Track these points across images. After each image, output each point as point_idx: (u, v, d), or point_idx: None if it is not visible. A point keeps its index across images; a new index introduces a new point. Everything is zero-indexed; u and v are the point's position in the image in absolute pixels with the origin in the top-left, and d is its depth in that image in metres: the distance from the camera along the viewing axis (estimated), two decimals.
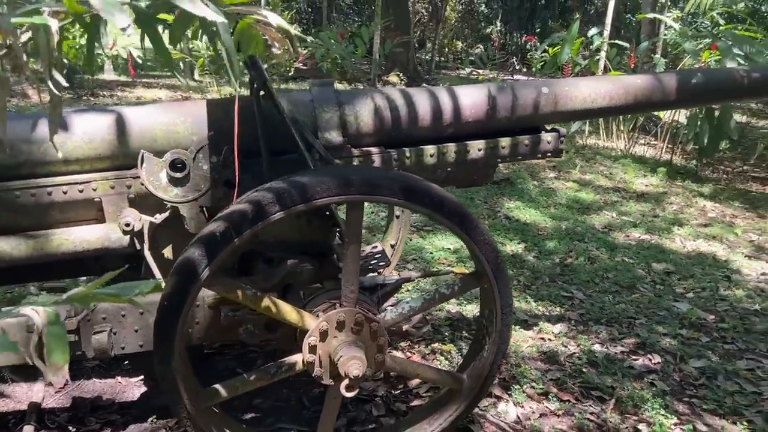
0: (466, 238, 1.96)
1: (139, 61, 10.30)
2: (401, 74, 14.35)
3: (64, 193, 2.17)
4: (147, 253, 2.23)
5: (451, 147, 2.45)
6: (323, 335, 1.94)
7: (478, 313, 3.34)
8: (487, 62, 14.65)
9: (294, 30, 1.37)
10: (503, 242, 4.52)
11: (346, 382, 1.89)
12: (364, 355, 1.91)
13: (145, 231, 2.21)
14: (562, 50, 8.16)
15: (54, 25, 0.94)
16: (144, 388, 2.56)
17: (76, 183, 2.18)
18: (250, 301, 1.91)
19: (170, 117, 2.26)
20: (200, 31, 1.45)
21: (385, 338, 2.00)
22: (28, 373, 2.52)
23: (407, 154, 2.41)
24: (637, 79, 2.66)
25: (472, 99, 2.47)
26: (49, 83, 0.98)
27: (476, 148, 2.47)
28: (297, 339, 2.06)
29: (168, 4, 1.03)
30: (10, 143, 2.11)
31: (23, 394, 2.47)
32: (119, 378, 2.61)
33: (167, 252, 2.31)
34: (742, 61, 6.34)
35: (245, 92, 2.38)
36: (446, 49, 20.21)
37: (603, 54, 9.21)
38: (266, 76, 2.17)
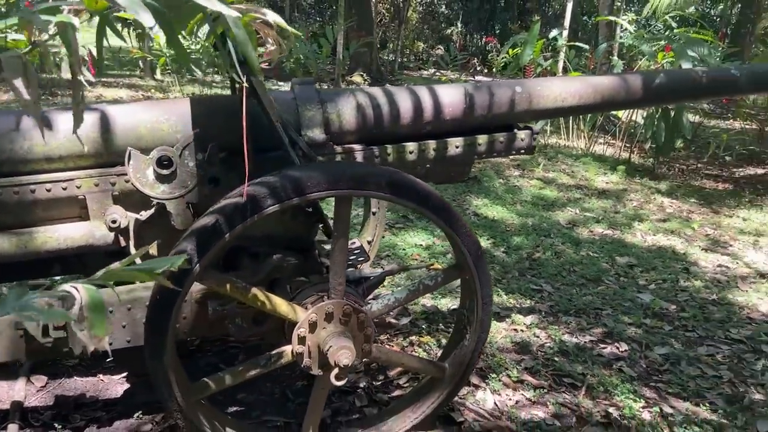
0: (449, 231, 2.04)
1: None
2: (365, 74, 14.43)
3: (48, 190, 2.17)
4: (133, 250, 2.25)
5: (431, 144, 2.52)
6: (312, 327, 2.00)
7: (452, 307, 3.44)
8: (450, 63, 14.82)
9: (291, 29, 1.42)
10: None
11: (336, 371, 1.95)
12: (353, 345, 1.98)
13: (131, 228, 2.23)
14: (523, 51, 8.34)
15: (76, 22, 0.98)
16: (127, 385, 2.57)
17: (60, 181, 2.18)
18: (242, 294, 1.96)
19: (154, 115, 2.27)
20: (196, 26, 1.49)
21: (372, 329, 2.07)
22: (9, 371, 2.50)
23: (389, 151, 2.48)
24: (604, 79, 2.78)
25: (450, 98, 2.55)
26: (81, 78, 1.02)
27: (454, 145, 2.55)
28: (285, 331, 2.11)
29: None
30: None
31: (4, 393, 2.46)
32: (101, 376, 2.61)
33: (152, 249, 2.33)
34: (696, 63, 6.60)
35: (230, 91, 2.41)
36: (408, 50, 20.35)
37: (562, 55, 9.46)
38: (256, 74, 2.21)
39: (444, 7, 23.42)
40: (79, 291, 0.99)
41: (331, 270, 2.03)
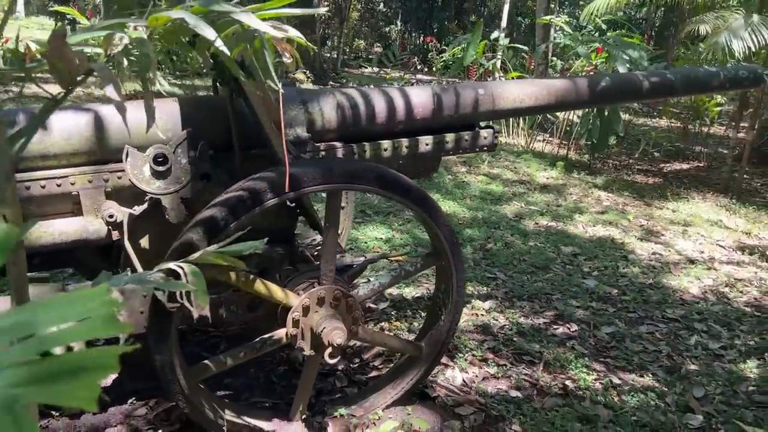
0: (429, 220, 2.24)
1: (38, 56, 9.89)
2: (307, 72, 14.53)
3: (42, 187, 2.25)
4: (127, 243, 2.35)
5: (404, 141, 2.72)
6: (305, 310, 2.17)
7: (416, 295, 3.66)
8: (394, 61, 15.07)
9: (306, 43, 1.58)
10: None
11: (329, 350, 2.13)
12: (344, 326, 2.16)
13: (125, 222, 2.33)
14: (467, 52, 8.65)
15: (144, 35, 1.12)
16: (115, 374, 2.66)
17: (54, 177, 2.26)
18: (243, 282, 2.10)
19: (144, 114, 2.38)
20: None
21: (360, 311, 2.25)
22: None
23: (366, 149, 2.66)
24: (557, 82, 3.05)
25: (420, 99, 2.75)
26: (158, 85, 1.15)
27: (425, 142, 2.76)
28: (278, 316, 2.27)
29: (226, 15, 1.23)
30: None
31: None
32: None
33: (144, 242, 2.44)
34: (628, 64, 7.05)
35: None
36: (347, 48, 20.50)
37: (499, 55, 9.84)
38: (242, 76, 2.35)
39: (382, 5, 23.70)
40: (185, 269, 1.15)
41: (322, 258, 2.20)
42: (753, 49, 6.13)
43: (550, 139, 9.31)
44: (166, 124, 2.39)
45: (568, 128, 9.02)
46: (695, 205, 6.75)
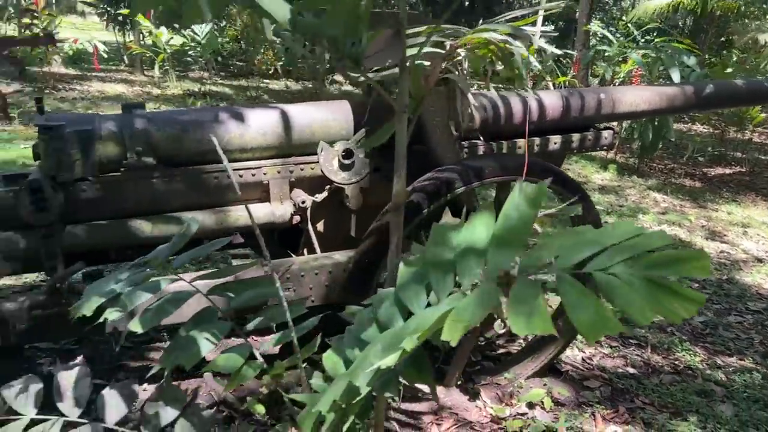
0: (583, 207, 2.54)
1: (104, 56, 10.28)
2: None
3: (240, 176, 2.57)
4: (309, 227, 2.67)
5: (536, 140, 3.02)
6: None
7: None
8: None
9: (535, 61, 1.87)
10: None
11: (498, 321, 2.43)
12: None
13: (309, 208, 2.64)
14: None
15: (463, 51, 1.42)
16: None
17: (251, 168, 2.58)
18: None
19: (324, 114, 2.69)
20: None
21: None
22: None
23: (503, 146, 2.96)
24: (668, 89, 3.33)
25: (551, 101, 3.04)
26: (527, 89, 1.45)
27: (554, 141, 3.06)
28: None
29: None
30: (199, 133, 2.49)
31: None
32: (253, 336, 3.01)
33: (319, 226, 2.75)
34: (683, 71, 7.30)
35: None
36: None
37: (549, 60, 10.10)
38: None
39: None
40: None
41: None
42: None
43: None
44: (341, 123, 2.70)
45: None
46: (747, 209, 6.98)
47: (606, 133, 3.16)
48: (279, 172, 2.62)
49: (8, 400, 1.11)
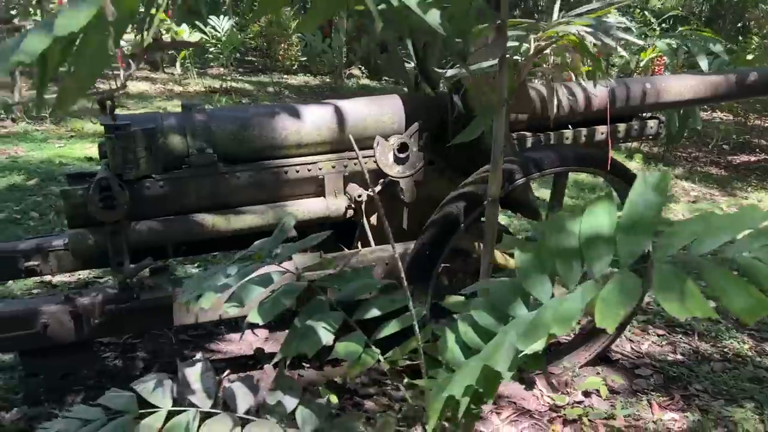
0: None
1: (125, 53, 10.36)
2: (363, 67, 14.88)
3: (297, 171, 2.61)
4: (365, 220, 2.70)
5: (582, 131, 3.03)
6: None
7: None
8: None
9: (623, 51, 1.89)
10: None
11: None
12: None
13: (364, 202, 2.68)
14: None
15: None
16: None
17: (306, 164, 2.62)
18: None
19: (376, 109, 2.72)
20: None
21: None
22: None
23: (550, 137, 2.97)
24: (712, 77, 3.33)
25: (599, 91, 3.05)
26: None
27: (600, 131, 3.07)
28: None
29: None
30: (258, 130, 2.53)
31: (239, 344, 2.89)
32: None
33: (373, 219, 2.79)
34: (711, 59, 7.25)
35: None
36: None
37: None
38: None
39: None
40: None
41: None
42: None
43: None
44: (392, 118, 2.73)
45: None
46: None
47: (651, 123, 3.17)
48: (334, 167, 2.65)
49: (144, 394, 1.16)
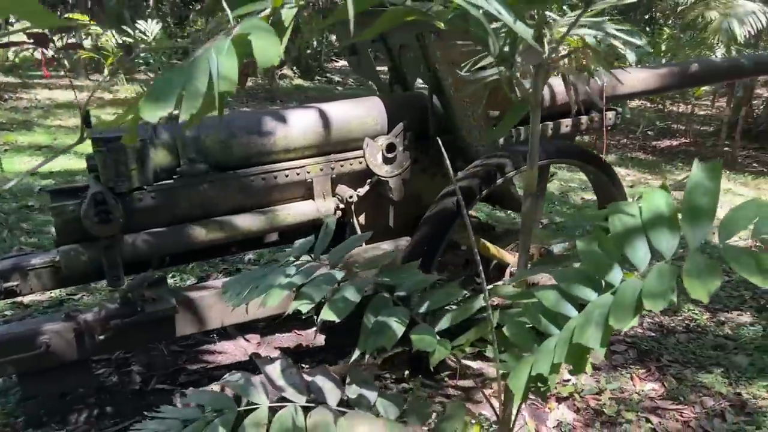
0: (609, 180, 2.74)
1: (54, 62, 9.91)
2: (294, 68, 14.83)
3: (286, 176, 2.64)
4: (354, 220, 2.76)
5: (549, 124, 3.19)
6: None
7: None
8: None
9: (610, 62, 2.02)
10: None
11: None
12: None
13: (352, 202, 2.73)
14: None
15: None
16: (320, 337, 3.06)
17: (295, 168, 2.65)
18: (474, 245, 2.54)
19: (361, 111, 2.78)
20: None
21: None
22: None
23: (521, 132, 3.11)
24: (661, 69, 3.57)
25: (560, 87, 3.21)
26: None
27: (565, 125, 3.23)
28: (490, 272, 2.72)
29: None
30: (246, 138, 2.54)
31: (233, 351, 2.89)
32: (296, 331, 3.08)
33: (361, 219, 2.85)
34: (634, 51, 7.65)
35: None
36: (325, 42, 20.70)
37: None
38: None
39: None
40: None
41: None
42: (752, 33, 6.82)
43: None
44: (376, 119, 2.79)
45: None
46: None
47: (610, 114, 3.36)
48: (321, 170, 2.70)
49: (239, 392, 1.18)
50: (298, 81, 14.07)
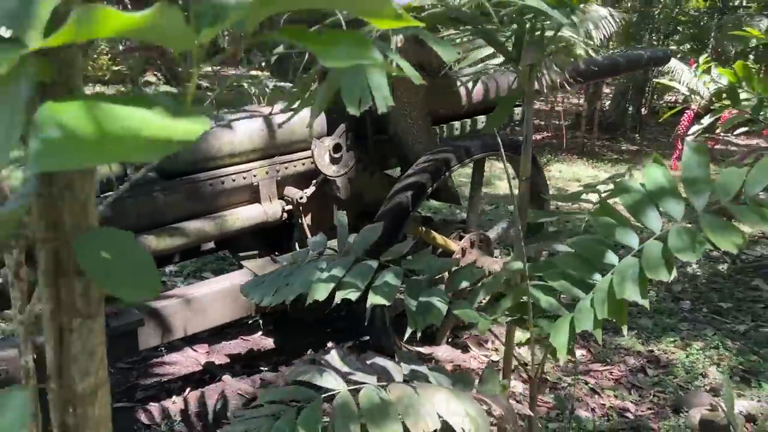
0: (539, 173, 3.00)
1: None
2: (158, 73, 14.31)
3: (233, 180, 2.64)
4: (303, 220, 2.81)
5: (467, 121, 3.42)
6: (464, 252, 2.81)
7: None
8: None
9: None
10: None
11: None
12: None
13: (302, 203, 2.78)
14: None
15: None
16: (270, 341, 3.06)
17: (241, 172, 2.66)
18: (425, 235, 2.70)
19: (302, 113, 2.82)
20: None
21: (492, 250, 2.94)
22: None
23: (444, 129, 3.32)
24: (597, 59, 3.92)
25: (477, 87, 3.45)
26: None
27: (482, 121, 3.48)
28: None
29: None
30: (194, 144, 2.51)
31: (185, 361, 2.82)
32: (243, 337, 3.07)
33: (308, 219, 2.89)
34: None
35: None
36: None
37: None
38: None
39: None
40: None
41: (471, 211, 2.86)
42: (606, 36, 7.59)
43: None
44: (317, 120, 2.86)
45: None
46: (571, 166, 8.15)
47: (518, 110, 3.66)
48: (267, 173, 2.73)
49: (315, 381, 1.21)
50: (165, 87, 13.57)
